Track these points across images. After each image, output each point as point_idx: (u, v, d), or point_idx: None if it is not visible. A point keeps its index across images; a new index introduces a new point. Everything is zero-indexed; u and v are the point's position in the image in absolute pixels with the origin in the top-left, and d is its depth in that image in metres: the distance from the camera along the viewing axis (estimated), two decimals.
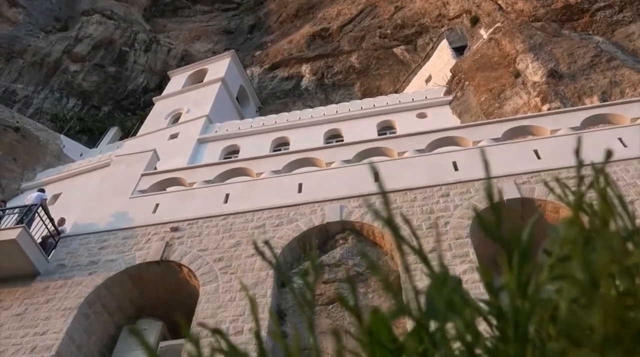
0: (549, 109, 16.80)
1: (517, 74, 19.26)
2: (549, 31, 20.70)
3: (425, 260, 0.53)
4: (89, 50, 36.01)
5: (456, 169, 13.65)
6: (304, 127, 22.41)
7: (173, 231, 13.66)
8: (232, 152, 22.13)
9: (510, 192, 12.37)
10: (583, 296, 0.47)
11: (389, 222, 0.52)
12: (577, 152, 0.56)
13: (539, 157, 13.38)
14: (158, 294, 13.45)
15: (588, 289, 0.47)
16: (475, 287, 10.28)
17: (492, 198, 0.55)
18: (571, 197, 0.58)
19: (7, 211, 14.82)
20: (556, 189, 0.64)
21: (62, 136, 28.60)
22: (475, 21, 25.14)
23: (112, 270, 13.00)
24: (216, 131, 23.45)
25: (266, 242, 0.64)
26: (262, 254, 0.61)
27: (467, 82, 21.06)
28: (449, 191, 12.93)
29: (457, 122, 19.77)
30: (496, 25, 22.92)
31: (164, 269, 13.15)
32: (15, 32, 34.69)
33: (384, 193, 0.55)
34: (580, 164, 0.56)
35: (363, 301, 11.27)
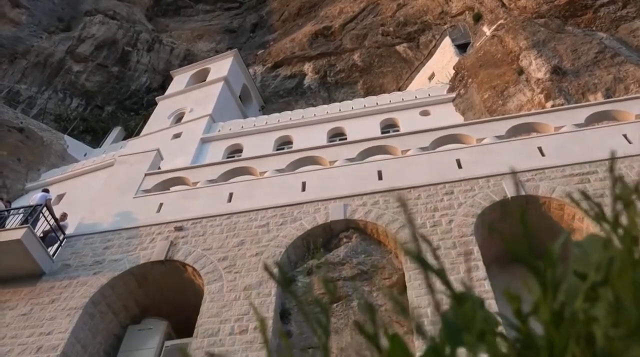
0: (552, 106, 16.73)
1: (521, 71, 19.19)
2: (552, 27, 20.60)
3: (447, 283, 0.51)
4: (92, 50, 36.07)
5: (460, 166, 13.62)
6: (307, 126, 22.39)
7: (177, 230, 13.68)
8: (235, 151, 22.14)
9: (514, 189, 12.33)
10: (623, 326, 0.45)
11: (419, 258, 0.50)
12: (612, 168, 0.54)
13: (543, 155, 13.33)
14: (163, 293, 13.48)
15: (634, 321, 0.44)
16: (479, 285, 10.28)
17: (526, 225, 0.52)
18: (595, 209, 0.56)
19: (12, 211, 14.86)
20: (581, 201, 0.62)
21: (65, 136, 28.64)
22: (477, 18, 25.05)
23: (116, 270, 13.03)
24: (219, 130, 23.46)
25: (277, 264, 0.63)
26: (271, 273, 0.60)
27: (470, 80, 21.00)
28: (453, 188, 12.90)
29: (460, 119, 19.71)
30: (499, 22, 22.83)
31: (168, 269, 13.17)
32: (19, 32, 34.76)
33: (415, 235, 0.53)
34: (615, 180, 0.54)
35: (367, 300, 11.27)
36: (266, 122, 23.45)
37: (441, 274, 0.50)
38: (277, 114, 24.79)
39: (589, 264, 0.51)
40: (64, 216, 15.51)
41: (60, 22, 37.60)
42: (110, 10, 38.39)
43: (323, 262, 12.10)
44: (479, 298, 0.52)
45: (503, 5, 23.55)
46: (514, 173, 11.93)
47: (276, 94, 32.18)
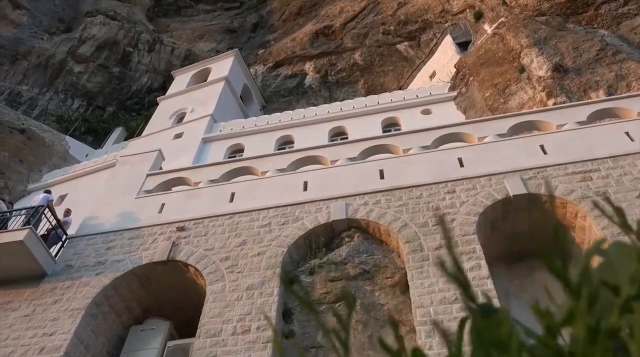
0: (554, 104, 16.69)
1: (522, 69, 19.15)
2: (553, 25, 20.56)
3: (473, 298, 0.50)
4: (93, 51, 36.09)
5: (462, 165, 13.59)
6: (308, 126, 22.38)
7: (179, 230, 13.68)
8: (237, 151, 22.15)
9: (516, 188, 12.31)
10: None
11: (457, 278, 0.48)
12: None
13: (545, 153, 13.30)
14: (165, 294, 13.48)
15: None
16: (483, 285, 10.26)
17: (560, 239, 0.50)
18: (617, 218, 0.54)
19: (14, 212, 14.89)
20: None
21: (67, 137, 28.67)
22: (479, 16, 25.00)
23: (119, 270, 13.03)
24: (221, 130, 23.46)
25: (290, 277, 0.62)
26: (282, 279, 0.59)
27: (471, 78, 20.97)
28: (455, 187, 12.88)
29: (462, 118, 19.69)
30: (500, 20, 22.78)
31: (170, 269, 13.17)
32: (20, 34, 34.80)
33: (455, 260, 0.52)
34: None
35: (370, 299, 11.26)
36: (267, 122, 23.45)
37: (467, 288, 0.49)
38: (278, 114, 24.78)
39: (615, 272, 0.49)
40: (68, 212, 15.64)
41: (61, 23, 37.63)
42: (111, 11, 38.41)
43: (325, 262, 12.10)
44: (507, 310, 0.50)
45: (504, 3, 23.50)
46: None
47: (277, 94, 32.17)
